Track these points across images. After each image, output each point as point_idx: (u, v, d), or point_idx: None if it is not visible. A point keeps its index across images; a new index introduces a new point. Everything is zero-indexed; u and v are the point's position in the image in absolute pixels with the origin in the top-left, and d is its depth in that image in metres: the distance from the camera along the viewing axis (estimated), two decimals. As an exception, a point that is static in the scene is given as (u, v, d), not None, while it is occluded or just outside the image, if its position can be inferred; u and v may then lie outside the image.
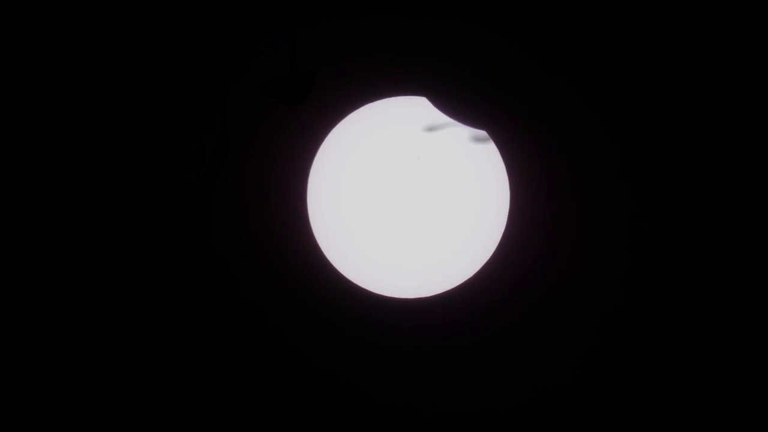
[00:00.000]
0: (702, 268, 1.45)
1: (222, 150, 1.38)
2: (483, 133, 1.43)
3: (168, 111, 1.41)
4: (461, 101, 1.44)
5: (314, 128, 1.44)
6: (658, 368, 1.45)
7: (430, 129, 1.42)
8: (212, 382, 1.47)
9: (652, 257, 1.45)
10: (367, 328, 1.45)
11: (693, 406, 1.45)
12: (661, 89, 1.45)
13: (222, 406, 1.47)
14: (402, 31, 1.45)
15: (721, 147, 1.45)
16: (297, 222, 1.45)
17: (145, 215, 1.45)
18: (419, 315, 1.45)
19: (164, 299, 1.46)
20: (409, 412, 1.46)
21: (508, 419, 1.46)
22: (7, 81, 1.44)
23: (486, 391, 1.46)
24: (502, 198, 1.44)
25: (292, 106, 1.40)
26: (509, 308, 1.45)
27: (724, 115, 1.45)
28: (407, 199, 1.43)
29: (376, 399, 1.46)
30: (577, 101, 1.45)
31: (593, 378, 1.45)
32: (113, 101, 1.42)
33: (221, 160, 1.39)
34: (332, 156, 1.44)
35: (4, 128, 1.45)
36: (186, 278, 1.43)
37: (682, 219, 1.45)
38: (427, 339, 1.45)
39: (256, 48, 1.40)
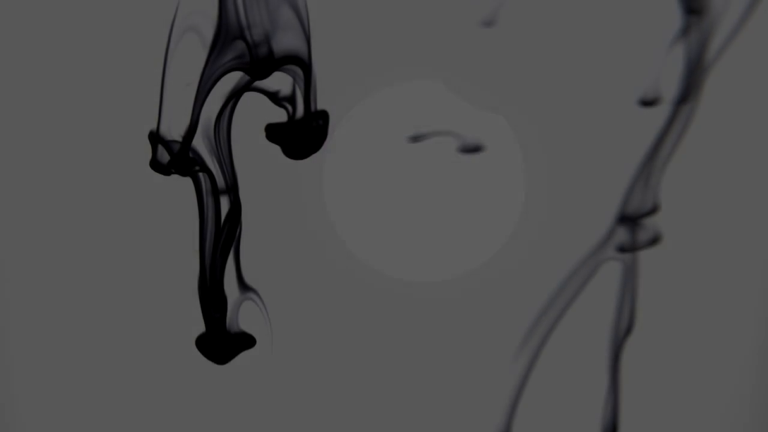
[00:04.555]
0: (724, 256, 1.46)
1: (232, 223, 1.32)
2: (476, 143, 1.43)
3: (196, 172, 1.35)
4: (477, 85, 1.44)
5: (329, 115, 1.45)
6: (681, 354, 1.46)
7: (415, 139, 1.43)
8: (230, 375, 1.47)
9: (663, 246, 1.46)
10: (383, 312, 1.46)
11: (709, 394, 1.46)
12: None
13: (237, 396, 1.47)
14: (417, 16, 1.45)
15: (735, 147, 1.46)
16: (313, 209, 1.45)
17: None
18: (433, 299, 1.46)
19: (182, 293, 1.46)
20: (423, 391, 1.47)
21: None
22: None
23: (497, 378, 1.46)
24: (517, 184, 1.44)
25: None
26: (517, 298, 1.46)
27: (741, 116, 1.46)
28: (421, 186, 1.44)
29: (394, 379, 1.47)
30: (592, 88, 1.46)
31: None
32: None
33: (233, 235, 1.32)
34: (348, 143, 1.44)
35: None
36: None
37: (700, 209, 1.46)
38: (438, 324, 1.46)
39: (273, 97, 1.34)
